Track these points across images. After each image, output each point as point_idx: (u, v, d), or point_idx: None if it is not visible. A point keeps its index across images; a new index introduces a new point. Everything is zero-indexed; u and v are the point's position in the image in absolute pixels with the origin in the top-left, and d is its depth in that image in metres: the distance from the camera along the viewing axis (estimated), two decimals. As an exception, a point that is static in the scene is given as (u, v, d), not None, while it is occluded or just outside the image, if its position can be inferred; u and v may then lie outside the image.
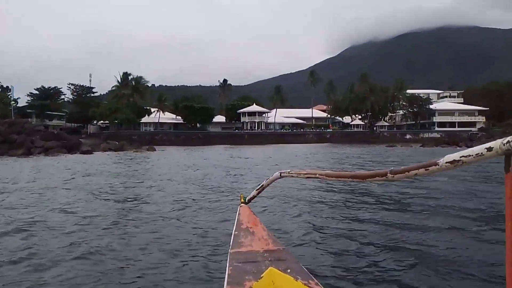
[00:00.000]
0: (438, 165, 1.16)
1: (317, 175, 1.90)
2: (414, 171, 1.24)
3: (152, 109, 76.16)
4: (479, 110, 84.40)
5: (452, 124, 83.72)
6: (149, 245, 4.75)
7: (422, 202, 7.47)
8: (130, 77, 76.26)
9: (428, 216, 6.21)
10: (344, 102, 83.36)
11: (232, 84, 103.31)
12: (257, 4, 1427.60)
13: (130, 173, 15.91)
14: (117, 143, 41.12)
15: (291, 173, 2.28)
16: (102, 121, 76.10)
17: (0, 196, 9.21)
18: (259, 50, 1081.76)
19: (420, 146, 41.32)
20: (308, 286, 1.39)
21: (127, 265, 4.04)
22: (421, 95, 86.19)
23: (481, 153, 1.05)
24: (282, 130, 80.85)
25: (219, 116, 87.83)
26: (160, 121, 77.04)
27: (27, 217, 6.62)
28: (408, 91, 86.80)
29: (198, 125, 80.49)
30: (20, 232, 5.54)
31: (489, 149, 1.02)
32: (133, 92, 73.54)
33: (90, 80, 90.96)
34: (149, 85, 76.54)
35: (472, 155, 1.07)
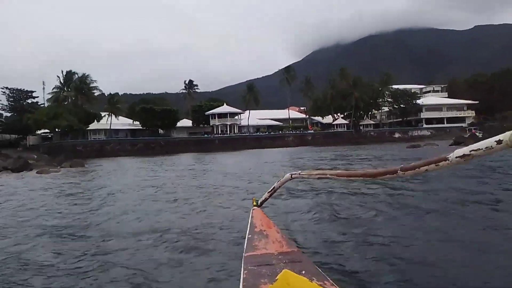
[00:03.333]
0: (448, 160, 1.16)
1: (328, 175, 1.91)
2: (425, 167, 1.24)
3: (103, 114, 63.61)
4: (468, 104, 77.94)
5: (439, 120, 76.90)
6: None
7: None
8: (74, 77, 63.43)
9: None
10: (325, 100, 74.32)
11: (199, 91, 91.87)
12: (221, 10, 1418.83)
13: None
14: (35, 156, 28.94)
15: (302, 174, 2.33)
16: (45, 131, 62.59)
17: None
18: (224, 56, 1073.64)
19: (451, 145, 31.97)
20: (323, 287, 1.39)
21: (135, 273, 3.77)
22: (406, 90, 78.77)
23: (491, 146, 1.04)
24: (258, 133, 70.50)
25: (185, 120, 76.46)
26: (112, 127, 64.49)
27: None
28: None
29: (161, 131, 68.83)
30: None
31: (499, 141, 1.01)
32: (77, 94, 60.67)
33: (43, 89, 74.59)
34: (97, 85, 63.16)
35: (482, 149, 1.07)
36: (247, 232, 2.62)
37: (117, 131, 67.48)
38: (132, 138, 63.10)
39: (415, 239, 4.48)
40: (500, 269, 3.47)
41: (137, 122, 67.96)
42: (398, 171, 1.34)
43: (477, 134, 62.05)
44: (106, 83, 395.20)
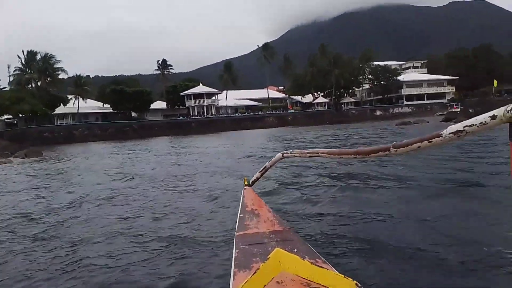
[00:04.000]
0: (442, 136, 1.15)
1: (320, 154, 1.91)
2: (417, 144, 1.24)
3: (71, 97, 59.45)
4: (448, 80, 77.03)
5: (420, 97, 75.94)
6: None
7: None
8: (37, 58, 58.75)
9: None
10: (305, 78, 71.91)
11: (174, 72, 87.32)
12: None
13: None
14: None
15: (294, 153, 2.32)
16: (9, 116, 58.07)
17: None
18: (200, 36, 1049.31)
19: (442, 121, 30.25)
20: (315, 265, 1.38)
21: (131, 252, 3.87)
22: (387, 66, 77.07)
23: (485, 121, 1.03)
24: (237, 115, 67.77)
25: (159, 102, 72.88)
26: (81, 111, 60.54)
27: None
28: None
29: (135, 114, 65.38)
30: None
31: (493, 117, 1.01)
32: (40, 76, 56.22)
33: (8, 72, 68.39)
34: (62, 66, 58.49)
35: (476, 125, 1.06)
36: (239, 211, 2.62)
37: (86, 115, 63.57)
38: (104, 122, 59.39)
39: (402, 215, 4.49)
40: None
41: (108, 105, 64.15)
42: (391, 149, 1.33)
43: (457, 109, 61.36)
44: (77, 65, 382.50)
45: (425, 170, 7.74)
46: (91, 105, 64.89)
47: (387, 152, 1.36)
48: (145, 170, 12.00)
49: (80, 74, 58.05)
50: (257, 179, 3.22)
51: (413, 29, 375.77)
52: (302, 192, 6.17)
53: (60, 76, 58.32)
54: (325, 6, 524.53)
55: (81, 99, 58.73)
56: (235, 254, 1.92)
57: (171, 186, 8.18)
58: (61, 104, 57.72)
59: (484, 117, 1.03)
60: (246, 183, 3.33)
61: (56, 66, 58.07)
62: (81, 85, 58.49)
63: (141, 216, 5.50)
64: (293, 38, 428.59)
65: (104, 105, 65.61)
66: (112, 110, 63.89)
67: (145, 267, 3.46)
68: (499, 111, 0.99)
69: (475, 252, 3.28)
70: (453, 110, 61.94)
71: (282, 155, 2.53)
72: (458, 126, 1.10)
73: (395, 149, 1.31)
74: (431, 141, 1.18)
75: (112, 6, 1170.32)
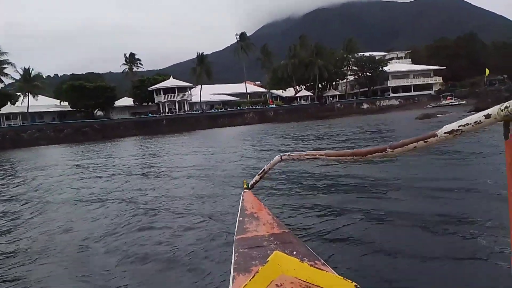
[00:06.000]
0: (437, 136, 1.15)
1: (317, 156, 1.90)
2: (413, 144, 1.25)
3: (19, 94, 51.20)
4: (435, 70, 73.32)
5: (405, 89, 71.94)
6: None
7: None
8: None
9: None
10: (286, 70, 66.25)
11: (145, 70, 79.57)
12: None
13: None
14: None
15: (292, 156, 2.31)
16: None
17: None
18: (171, 33, 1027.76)
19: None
20: (315, 267, 1.39)
21: (127, 255, 3.81)
22: (372, 56, 72.43)
23: (480, 120, 1.03)
24: (213, 111, 61.24)
25: (125, 98, 65.46)
26: (35, 110, 52.41)
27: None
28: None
29: (101, 113, 57.97)
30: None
31: (487, 116, 1.00)
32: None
33: None
34: (8, 59, 49.76)
35: (471, 124, 1.06)
36: (238, 215, 2.58)
37: (41, 114, 55.46)
38: (59, 122, 51.49)
39: (403, 218, 4.36)
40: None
41: (66, 103, 56.32)
42: (387, 149, 1.34)
43: (453, 101, 57.38)
44: (46, 65, 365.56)
45: (422, 171, 7.29)
46: (46, 103, 56.84)
47: (384, 152, 1.35)
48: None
49: (29, 68, 49.67)
50: (256, 182, 3.14)
51: (381, 25, 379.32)
52: (302, 195, 6.01)
53: (6, 71, 49.77)
54: (298, 2, 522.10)
55: (32, 97, 50.38)
56: (234, 257, 1.89)
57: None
58: (8, 103, 49.48)
59: (478, 116, 1.03)
60: (245, 186, 3.24)
61: (1, 58, 49.52)
62: (31, 80, 49.96)
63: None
64: (267, 34, 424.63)
65: (62, 103, 57.74)
66: (71, 109, 56.14)
67: (146, 269, 3.44)
68: (493, 110, 0.98)
69: (472, 253, 3.20)
70: (447, 101, 58.25)
71: (281, 158, 2.48)
72: (453, 125, 1.10)
73: (392, 150, 1.32)
74: (427, 141, 1.18)
75: (84, 4, 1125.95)
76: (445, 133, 1.11)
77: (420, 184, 6.08)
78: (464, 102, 55.59)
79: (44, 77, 59.06)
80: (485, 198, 4.81)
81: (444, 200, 5.03)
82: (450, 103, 55.25)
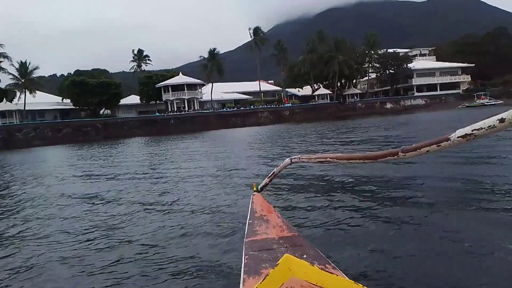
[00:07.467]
0: (450, 140, 1.14)
1: (328, 159, 1.88)
2: (426, 148, 1.24)
3: (16, 90, 47.46)
4: (463, 68, 68.13)
5: (431, 88, 66.91)
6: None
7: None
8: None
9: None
10: (303, 66, 61.71)
11: (157, 69, 75.93)
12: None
13: None
14: None
15: (302, 159, 2.27)
16: None
17: None
18: (186, 33, 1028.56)
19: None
20: (325, 270, 1.35)
21: (139, 257, 3.65)
22: (396, 53, 67.51)
23: (493, 125, 1.02)
24: (224, 110, 56.96)
25: (132, 96, 61.63)
26: (35, 107, 48.66)
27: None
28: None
29: (108, 111, 54.24)
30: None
31: (501, 120, 0.99)
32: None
33: None
34: (5, 52, 45.91)
35: (484, 128, 1.04)
36: (248, 217, 2.58)
37: (42, 113, 51.73)
38: (58, 121, 47.61)
39: (416, 221, 4.07)
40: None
41: (69, 101, 52.56)
42: (399, 153, 1.33)
43: (488, 101, 52.36)
44: (58, 63, 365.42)
45: (436, 172, 6.69)
46: (47, 101, 53.18)
47: (396, 156, 1.35)
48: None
49: (26, 62, 45.91)
50: (266, 185, 3.10)
51: (393, 24, 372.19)
52: (312, 197, 5.68)
53: (2, 65, 46.06)
54: (311, 2, 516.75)
55: (29, 93, 46.56)
56: (244, 260, 1.89)
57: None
58: (4, 99, 45.77)
59: (492, 120, 1.02)
60: (255, 189, 3.19)
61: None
62: (27, 75, 46.03)
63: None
64: (279, 34, 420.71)
65: (64, 100, 54.05)
66: (74, 107, 52.42)
67: (152, 273, 3.33)
68: (508, 114, 0.97)
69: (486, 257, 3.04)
70: (481, 100, 53.25)
71: (291, 161, 2.44)
72: (467, 129, 1.09)
73: (404, 153, 1.31)
74: (440, 145, 1.17)
75: (96, 4, 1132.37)
76: (458, 137, 1.10)
77: (435, 185, 5.71)
78: (501, 102, 50.68)
79: (57, 76, 55.16)
80: (503, 198, 4.53)
81: (458, 206, 4.52)
82: (486, 103, 50.34)
